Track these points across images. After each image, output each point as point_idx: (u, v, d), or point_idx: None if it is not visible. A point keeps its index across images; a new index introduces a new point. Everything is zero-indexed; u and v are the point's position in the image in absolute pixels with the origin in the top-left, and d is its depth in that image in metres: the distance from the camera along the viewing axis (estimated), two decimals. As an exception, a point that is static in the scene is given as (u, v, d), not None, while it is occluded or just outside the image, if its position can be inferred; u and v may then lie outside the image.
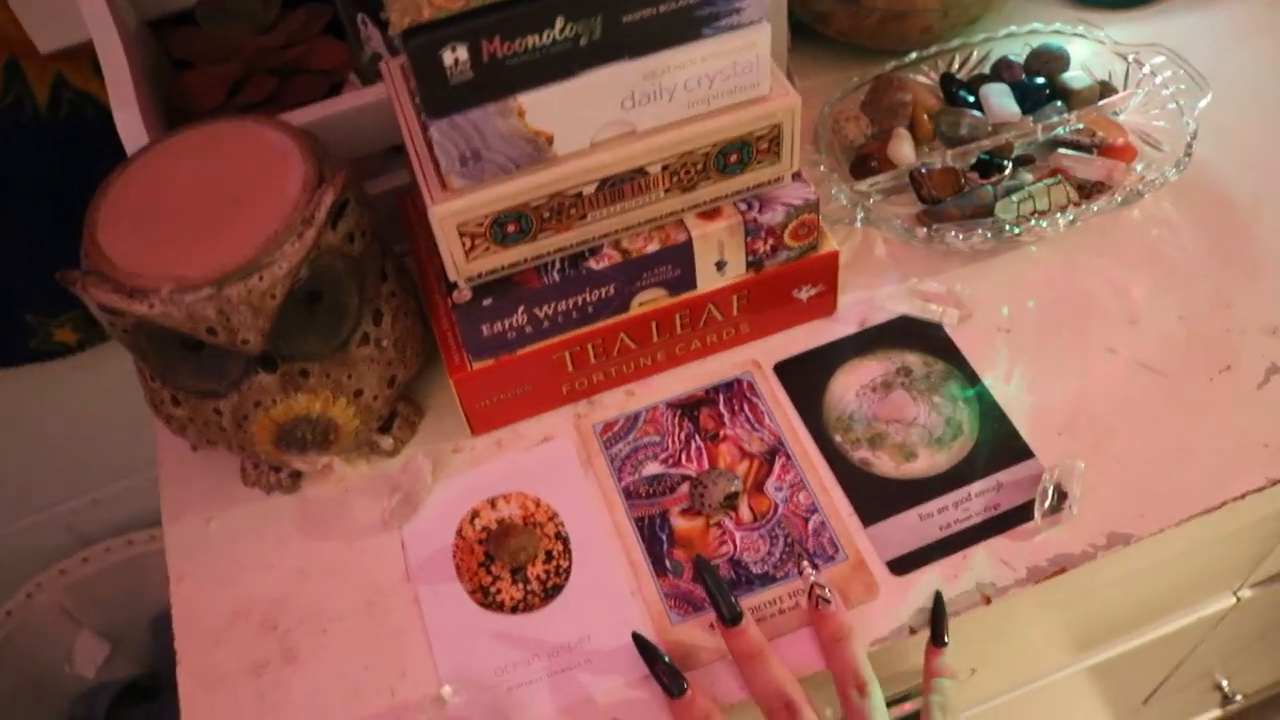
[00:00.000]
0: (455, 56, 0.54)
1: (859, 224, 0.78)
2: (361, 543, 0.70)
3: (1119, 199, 0.77)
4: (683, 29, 0.58)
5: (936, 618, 0.63)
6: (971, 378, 0.73)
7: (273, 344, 0.62)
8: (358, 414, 0.67)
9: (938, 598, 0.63)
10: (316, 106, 0.74)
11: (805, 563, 0.65)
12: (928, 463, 0.69)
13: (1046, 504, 0.66)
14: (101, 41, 0.74)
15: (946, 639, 0.62)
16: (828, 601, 0.62)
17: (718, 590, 0.61)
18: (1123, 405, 0.71)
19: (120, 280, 0.59)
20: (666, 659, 0.61)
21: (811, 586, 0.63)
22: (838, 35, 0.91)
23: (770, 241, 0.69)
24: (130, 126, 0.72)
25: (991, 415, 0.71)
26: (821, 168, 0.80)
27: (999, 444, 0.70)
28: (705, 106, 0.62)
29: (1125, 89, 0.86)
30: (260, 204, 0.61)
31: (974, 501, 0.67)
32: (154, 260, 0.60)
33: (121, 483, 1.22)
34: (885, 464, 0.69)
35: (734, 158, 0.64)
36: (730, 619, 0.61)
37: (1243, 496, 0.66)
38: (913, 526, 0.67)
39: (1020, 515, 0.66)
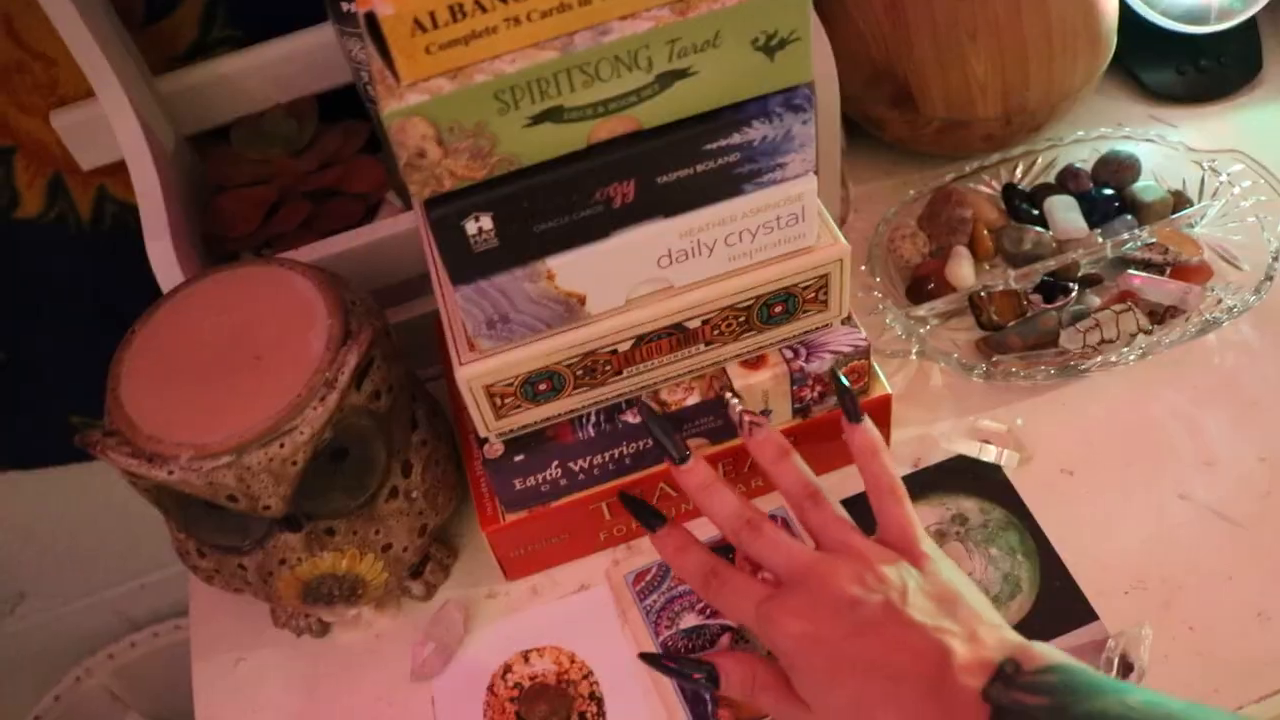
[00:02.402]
0: (479, 226, 0.52)
1: (914, 356, 0.74)
2: (391, 695, 0.68)
3: (1194, 328, 0.72)
4: (722, 186, 0.55)
5: (842, 395, 0.60)
6: (1032, 528, 0.68)
7: (296, 505, 0.59)
8: (386, 567, 0.65)
9: (834, 376, 0.61)
10: (349, 235, 0.73)
11: (729, 394, 0.63)
12: (985, 624, 0.65)
13: (1111, 677, 0.61)
14: (136, 170, 0.73)
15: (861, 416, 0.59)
16: (759, 425, 0.59)
17: (664, 434, 0.59)
18: (1195, 560, 0.66)
19: (139, 444, 0.57)
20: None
21: (740, 414, 0.60)
22: (894, 142, 0.87)
23: (818, 389, 0.65)
24: (162, 258, 0.71)
25: (1052, 571, 0.67)
26: (876, 293, 0.76)
27: (1060, 604, 0.65)
28: (748, 260, 0.59)
29: (1201, 199, 0.81)
30: (283, 362, 0.59)
31: (1034, 670, 0.63)
32: (174, 422, 0.58)
33: (169, 569, 1.21)
34: (939, 624, 0.65)
35: (779, 309, 0.61)
36: (680, 459, 0.59)
37: (1329, 670, 0.61)
38: (968, 696, 0.63)
39: (1084, 686, 0.62)
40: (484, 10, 0.45)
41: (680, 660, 0.58)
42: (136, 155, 0.73)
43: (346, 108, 0.80)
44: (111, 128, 0.74)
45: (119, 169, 0.85)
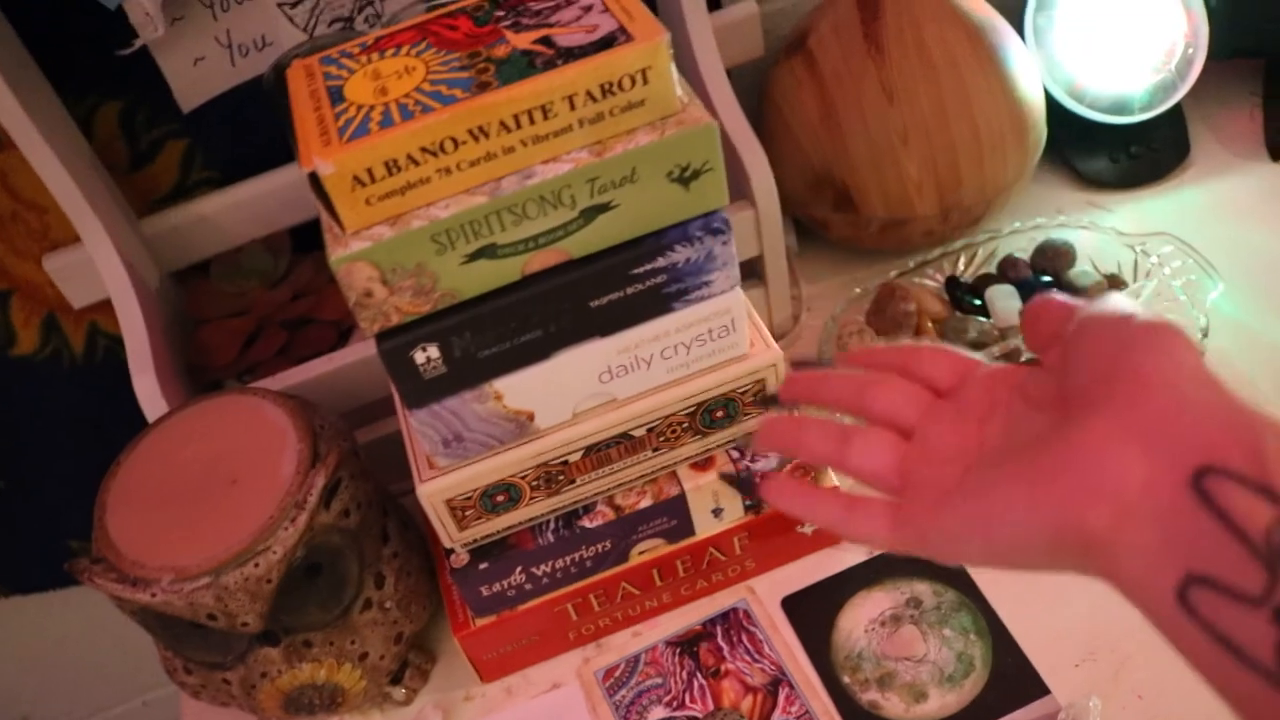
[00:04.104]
0: (427, 355, 0.56)
1: (863, 447, 0.78)
2: (374, 800, 0.70)
3: (1128, 407, 0.76)
4: (652, 306, 0.59)
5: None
6: (984, 607, 0.71)
7: (273, 620, 0.63)
8: (364, 675, 0.68)
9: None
10: (323, 360, 0.77)
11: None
12: (939, 703, 0.68)
13: (1062, 746, 0.64)
14: (121, 309, 0.78)
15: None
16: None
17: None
18: (1143, 630, 0.68)
19: (124, 570, 0.61)
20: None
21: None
22: (840, 241, 0.92)
23: (765, 485, 0.69)
24: (147, 391, 0.75)
25: (1004, 648, 0.69)
26: (824, 388, 0.80)
27: (1012, 680, 0.68)
28: (685, 370, 0.63)
29: (1135, 281, 0.85)
30: (257, 486, 0.63)
31: (987, 746, 0.66)
32: (156, 546, 0.61)
33: (169, 687, 1.23)
34: (895, 706, 0.68)
35: (720, 413, 0.65)
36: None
37: (1271, 734, 0.64)
38: (925, 775, 0.65)
39: (1036, 760, 0.65)
40: (416, 164, 0.50)
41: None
42: (121, 295, 0.78)
43: (318, 239, 0.84)
44: (97, 269, 0.78)
45: (108, 306, 0.90)
